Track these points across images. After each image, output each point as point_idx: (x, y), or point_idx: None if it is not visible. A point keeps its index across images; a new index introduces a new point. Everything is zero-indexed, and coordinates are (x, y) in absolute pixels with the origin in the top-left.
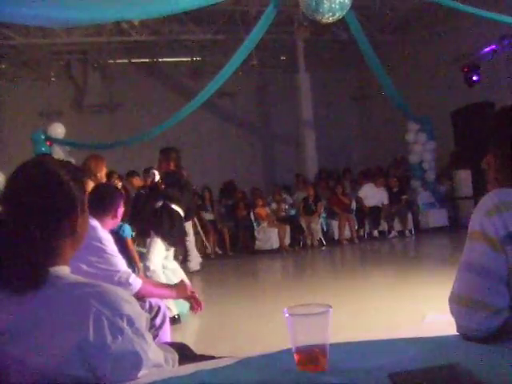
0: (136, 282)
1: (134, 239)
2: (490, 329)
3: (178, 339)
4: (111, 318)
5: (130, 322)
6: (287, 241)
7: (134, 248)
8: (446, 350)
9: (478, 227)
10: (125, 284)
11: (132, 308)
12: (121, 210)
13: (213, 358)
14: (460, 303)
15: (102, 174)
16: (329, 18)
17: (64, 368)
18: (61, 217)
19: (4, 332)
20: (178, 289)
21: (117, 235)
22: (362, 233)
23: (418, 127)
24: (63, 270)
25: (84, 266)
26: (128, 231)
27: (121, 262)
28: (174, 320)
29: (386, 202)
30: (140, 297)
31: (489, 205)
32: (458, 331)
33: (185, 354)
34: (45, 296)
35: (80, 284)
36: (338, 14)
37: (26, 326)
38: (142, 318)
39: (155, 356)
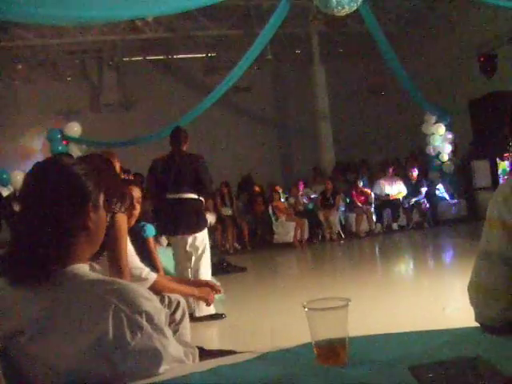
0: (150, 276)
1: (155, 238)
2: (510, 318)
3: (199, 335)
4: (130, 314)
5: (150, 319)
6: (306, 234)
7: (155, 248)
8: (466, 343)
9: (495, 214)
10: (138, 279)
11: (151, 304)
12: (136, 210)
13: (233, 352)
14: (479, 292)
15: (117, 169)
16: (340, 12)
17: (84, 365)
18: (71, 212)
19: (24, 331)
20: (201, 291)
21: (138, 235)
22: (380, 225)
23: (436, 118)
24: (81, 268)
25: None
26: (150, 231)
27: (134, 260)
28: (216, 316)
29: (403, 190)
30: (157, 292)
31: (506, 191)
32: (476, 320)
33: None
34: (63, 294)
35: (99, 281)
36: (347, 8)
37: (46, 324)
38: (161, 315)
39: (175, 351)
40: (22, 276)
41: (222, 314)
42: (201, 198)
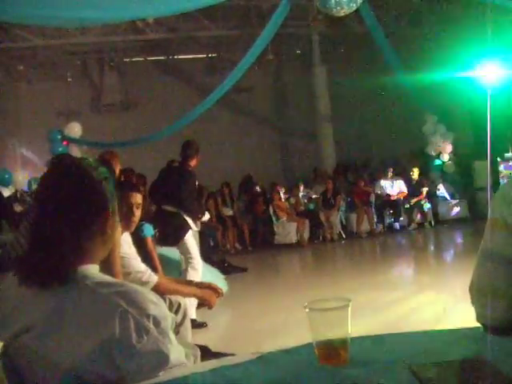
0: (151, 279)
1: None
2: (511, 318)
3: (200, 335)
4: (137, 317)
5: (156, 323)
6: (306, 235)
7: (154, 248)
8: (468, 343)
9: (498, 215)
10: (139, 284)
11: (158, 308)
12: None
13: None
14: (480, 292)
15: (117, 171)
16: (339, 12)
17: (89, 365)
18: (92, 216)
19: (31, 328)
20: (203, 292)
21: (136, 234)
22: (381, 225)
23: (437, 119)
24: (92, 269)
25: None
26: (148, 231)
27: (134, 263)
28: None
29: (404, 190)
30: (158, 294)
31: (509, 192)
32: (477, 320)
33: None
34: (72, 294)
35: (108, 283)
36: (346, 8)
37: (53, 323)
38: (167, 319)
39: (179, 355)
40: (36, 276)
41: (203, 323)
42: (180, 212)
